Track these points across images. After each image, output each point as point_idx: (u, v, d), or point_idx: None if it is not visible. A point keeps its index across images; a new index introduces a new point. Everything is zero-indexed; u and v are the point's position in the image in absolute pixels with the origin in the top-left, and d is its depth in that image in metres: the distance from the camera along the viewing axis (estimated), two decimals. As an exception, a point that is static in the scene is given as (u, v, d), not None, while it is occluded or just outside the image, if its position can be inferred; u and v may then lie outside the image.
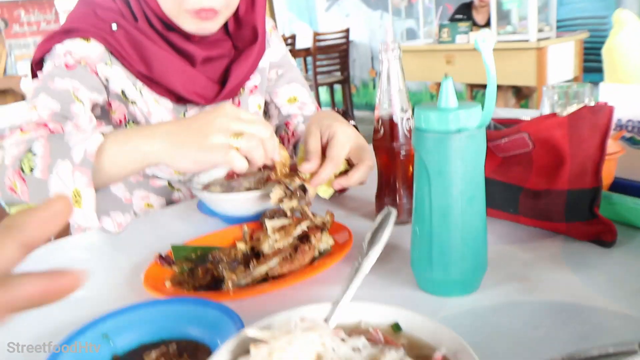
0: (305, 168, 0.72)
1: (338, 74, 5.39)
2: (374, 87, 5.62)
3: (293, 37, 5.14)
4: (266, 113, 1.11)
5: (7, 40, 5.78)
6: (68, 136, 0.67)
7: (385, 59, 0.72)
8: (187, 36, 0.89)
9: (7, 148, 0.71)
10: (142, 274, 0.61)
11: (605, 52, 1.68)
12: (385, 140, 0.73)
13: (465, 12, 4.10)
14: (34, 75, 0.90)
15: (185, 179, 0.99)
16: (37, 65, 0.90)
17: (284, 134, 1.06)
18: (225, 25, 0.95)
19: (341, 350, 0.35)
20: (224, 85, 0.95)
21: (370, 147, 0.77)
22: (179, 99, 0.93)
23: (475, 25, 3.90)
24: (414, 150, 0.54)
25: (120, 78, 0.89)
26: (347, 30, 5.30)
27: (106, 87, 0.90)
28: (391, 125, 0.73)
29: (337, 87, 5.82)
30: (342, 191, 0.87)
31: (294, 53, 5.15)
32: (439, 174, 0.52)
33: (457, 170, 0.51)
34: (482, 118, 0.50)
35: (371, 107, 5.70)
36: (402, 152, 0.73)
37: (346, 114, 0.85)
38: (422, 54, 3.76)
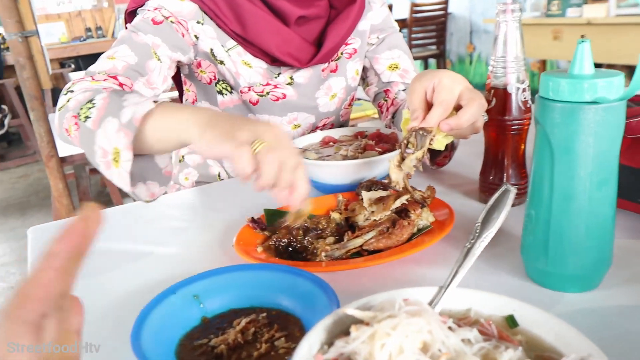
0: (413, 126, 0.65)
1: (434, 47, 5.19)
2: (471, 62, 5.36)
3: (390, 7, 5.00)
4: (364, 79, 1.06)
5: (116, 5, 6.08)
6: (127, 96, 0.67)
7: (503, 21, 0.65)
8: None
9: (75, 92, 0.73)
10: (234, 236, 0.60)
11: None
12: (497, 113, 0.67)
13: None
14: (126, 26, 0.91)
15: None
16: (129, 16, 0.91)
17: (383, 102, 1.01)
18: None
19: (450, 340, 0.31)
20: (320, 48, 0.91)
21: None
22: (274, 60, 0.91)
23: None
24: (536, 122, 0.48)
25: (210, 37, 0.89)
26: (446, 2, 5.07)
27: (195, 46, 0.90)
28: (504, 96, 0.66)
29: (432, 62, 5.62)
30: (441, 164, 0.82)
31: (389, 24, 5.02)
32: (565, 151, 0.45)
33: (587, 149, 0.44)
34: (628, 89, 0.43)
35: (466, 83, 5.46)
36: (515, 127, 0.66)
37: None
38: (527, 28, 3.51)
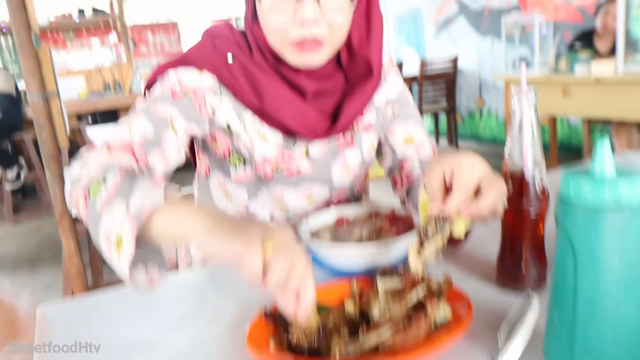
0: (432, 209, 0.64)
1: (444, 102, 5.26)
2: (481, 117, 5.41)
3: (400, 64, 5.10)
4: (379, 152, 1.06)
5: (134, 60, 6.27)
6: (138, 182, 0.66)
7: (518, 104, 0.65)
8: (298, 69, 0.88)
9: (90, 163, 0.73)
10: (247, 327, 0.59)
11: None
12: (514, 198, 0.66)
13: (585, 40, 3.83)
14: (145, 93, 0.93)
15: (292, 221, 0.98)
16: (149, 87, 0.93)
17: (397, 177, 1.01)
18: (338, 58, 0.93)
19: None
20: (335, 120, 0.92)
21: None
22: (289, 132, 0.92)
23: (597, 54, 3.63)
24: (557, 221, 0.47)
25: (227, 111, 0.90)
26: (456, 59, 5.17)
27: (212, 119, 0.91)
28: (521, 181, 0.66)
29: (442, 116, 5.68)
30: (456, 243, 0.80)
31: (400, 80, 5.10)
32: (589, 257, 0.44)
33: (613, 255, 0.43)
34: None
35: (477, 137, 5.50)
36: (533, 213, 0.65)
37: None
38: (537, 84, 3.56)
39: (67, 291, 2.57)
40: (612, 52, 3.64)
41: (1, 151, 4.37)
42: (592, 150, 3.46)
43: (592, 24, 3.85)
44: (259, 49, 0.89)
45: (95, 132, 3.03)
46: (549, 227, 0.62)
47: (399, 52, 6.37)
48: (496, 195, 0.61)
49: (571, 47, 3.82)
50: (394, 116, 1.02)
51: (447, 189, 0.65)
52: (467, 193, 0.62)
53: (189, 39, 7.67)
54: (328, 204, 1.01)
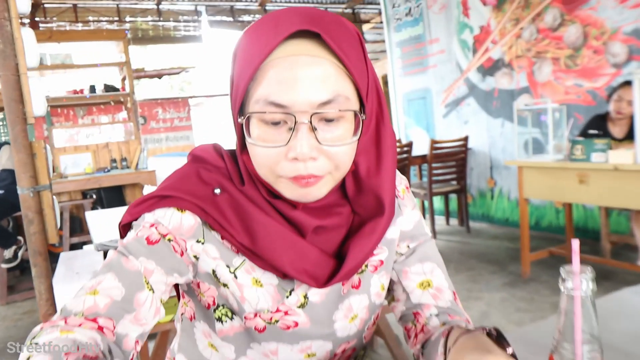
0: None
1: (454, 182, 5.15)
2: (492, 197, 5.28)
3: (410, 144, 5.04)
4: (390, 291, 0.91)
5: (143, 136, 6.29)
6: None
7: (567, 291, 0.51)
8: (295, 202, 0.75)
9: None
10: None
11: None
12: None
13: (599, 124, 3.75)
14: (122, 236, 0.80)
15: None
16: (124, 228, 0.80)
17: (411, 325, 0.85)
18: (344, 185, 0.79)
19: None
20: (340, 259, 0.77)
21: None
22: (286, 275, 0.77)
23: (612, 139, 3.53)
24: None
25: (213, 257, 0.77)
26: (466, 139, 5.11)
27: (195, 265, 0.78)
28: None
29: (453, 196, 5.56)
30: None
31: (410, 160, 5.03)
32: None
33: None
34: None
35: (488, 218, 5.34)
36: None
37: (501, 337, 0.63)
38: (551, 171, 3.44)
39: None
40: (628, 137, 3.55)
41: (0, 231, 4.26)
42: (610, 235, 3.30)
43: (605, 107, 3.79)
44: (251, 179, 0.77)
45: (94, 217, 2.91)
46: None
47: (408, 132, 6.35)
48: None
49: (585, 133, 3.74)
50: (408, 254, 0.88)
51: None
52: None
53: (199, 115, 7.76)
54: (333, 357, 0.85)
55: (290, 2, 8.46)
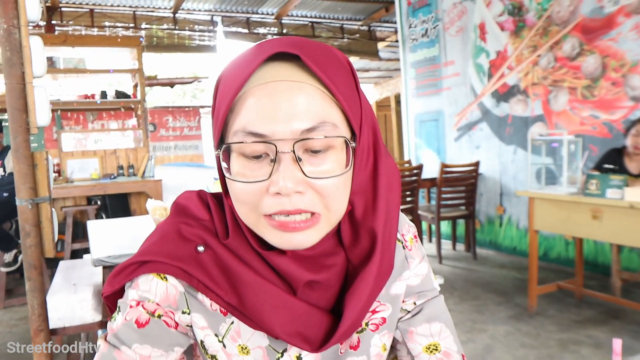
0: None
1: (463, 207, 5.06)
2: (501, 225, 5.18)
3: (420, 167, 4.97)
4: (392, 349, 0.84)
5: (151, 143, 6.27)
6: None
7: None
8: (284, 251, 0.67)
9: None
10: None
11: None
12: None
13: (615, 158, 3.67)
14: (110, 308, 0.75)
15: None
16: (107, 300, 0.75)
17: None
18: (339, 232, 0.70)
19: None
20: (337, 315, 0.70)
21: None
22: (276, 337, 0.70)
23: (629, 175, 3.45)
24: None
25: (200, 327, 0.71)
26: (477, 164, 5.03)
27: (192, 331, 0.72)
28: None
29: (460, 222, 5.47)
30: None
31: (419, 183, 4.95)
32: None
33: None
34: None
35: (495, 246, 5.24)
36: None
37: None
38: (563, 204, 3.36)
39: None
40: (644, 172, 3.47)
41: (2, 234, 4.23)
42: (621, 272, 3.19)
43: (621, 140, 3.71)
44: (237, 226, 0.69)
45: (95, 227, 2.86)
46: None
47: (419, 154, 6.28)
48: None
49: (600, 166, 3.66)
50: (415, 312, 0.81)
51: None
52: None
53: (210, 125, 7.75)
54: None
55: (306, 17, 8.46)
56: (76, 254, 5.10)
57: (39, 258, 1.95)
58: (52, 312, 2.29)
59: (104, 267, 2.30)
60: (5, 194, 4.19)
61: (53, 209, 2.01)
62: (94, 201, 5.37)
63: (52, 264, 4.30)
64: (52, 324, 2.12)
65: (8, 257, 4.23)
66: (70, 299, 2.59)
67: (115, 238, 2.36)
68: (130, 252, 1.97)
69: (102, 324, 2.26)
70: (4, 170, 4.32)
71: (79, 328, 2.20)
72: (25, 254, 1.94)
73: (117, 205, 5.42)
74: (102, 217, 5.36)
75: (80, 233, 5.35)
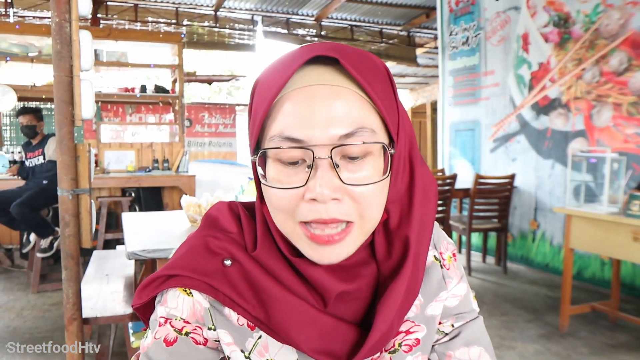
0: None
1: (495, 220, 4.97)
2: (533, 240, 5.07)
3: (454, 177, 4.90)
4: None
5: (186, 139, 6.35)
6: None
7: None
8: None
9: None
10: None
11: None
12: None
13: (659, 180, 3.56)
14: (141, 319, 0.75)
15: None
16: (138, 311, 0.75)
17: None
18: (372, 243, 0.68)
19: None
20: (366, 328, 0.67)
21: None
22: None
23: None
24: None
25: (227, 343, 0.70)
26: (513, 177, 4.94)
27: (220, 345, 0.71)
28: None
29: (492, 234, 5.37)
30: None
31: (453, 193, 4.89)
32: None
33: None
34: None
35: (527, 261, 5.13)
36: None
37: None
38: (603, 224, 3.26)
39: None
40: (689, 195, 3.34)
41: (39, 220, 4.34)
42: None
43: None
44: (269, 235, 0.68)
45: (130, 219, 2.90)
46: None
47: (453, 163, 6.20)
48: None
49: (643, 187, 3.54)
50: (453, 335, 0.78)
51: None
52: None
53: (245, 123, 7.82)
54: None
55: (345, 19, 8.46)
56: (108, 244, 5.20)
57: (77, 248, 1.99)
58: (85, 301, 2.34)
59: (136, 260, 2.33)
60: (45, 182, 4.30)
61: (92, 201, 2.05)
62: (128, 193, 5.46)
63: (84, 252, 4.39)
64: (85, 314, 2.16)
65: (44, 243, 4.34)
66: (103, 289, 2.64)
67: (149, 232, 2.39)
68: (164, 247, 1.99)
69: (133, 317, 2.29)
70: (44, 158, 4.44)
71: (110, 319, 2.23)
72: (63, 244, 1.98)
73: (150, 198, 5.51)
74: (135, 209, 5.45)
75: (113, 223, 5.46)
